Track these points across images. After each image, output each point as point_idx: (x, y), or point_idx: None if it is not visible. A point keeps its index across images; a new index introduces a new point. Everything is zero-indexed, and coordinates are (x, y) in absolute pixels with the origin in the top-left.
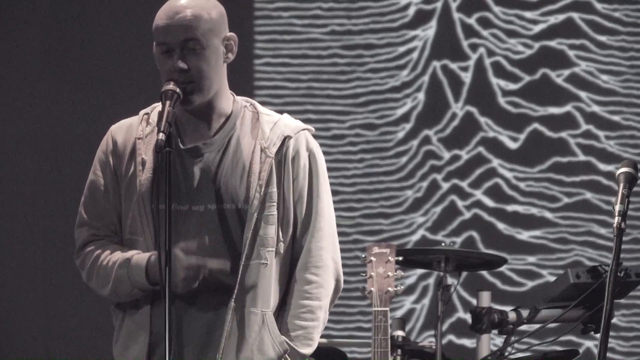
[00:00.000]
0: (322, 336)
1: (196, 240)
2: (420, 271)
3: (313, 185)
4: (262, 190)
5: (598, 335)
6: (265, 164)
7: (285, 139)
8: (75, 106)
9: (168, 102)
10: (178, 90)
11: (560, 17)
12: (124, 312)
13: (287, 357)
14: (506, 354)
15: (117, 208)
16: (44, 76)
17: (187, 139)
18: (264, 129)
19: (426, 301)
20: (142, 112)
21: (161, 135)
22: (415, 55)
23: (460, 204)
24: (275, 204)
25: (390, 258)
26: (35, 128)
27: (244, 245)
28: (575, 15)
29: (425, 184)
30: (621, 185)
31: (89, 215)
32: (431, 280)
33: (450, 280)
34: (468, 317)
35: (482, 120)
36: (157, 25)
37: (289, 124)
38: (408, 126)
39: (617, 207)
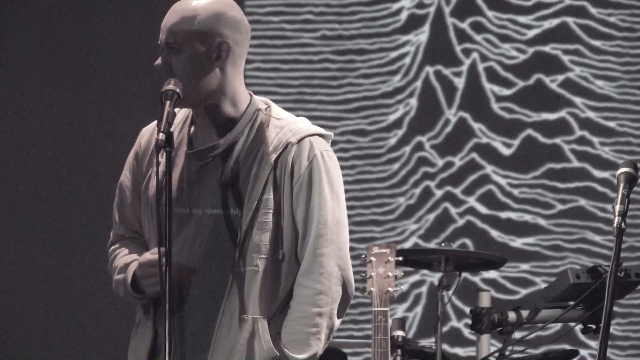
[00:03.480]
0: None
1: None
2: (412, 279)
3: (313, 192)
4: (258, 196)
5: (594, 344)
6: (264, 170)
7: (288, 146)
8: (75, 107)
9: (168, 102)
10: (178, 90)
11: (555, 22)
12: (141, 312)
13: None
14: (506, 354)
15: (137, 210)
16: (44, 77)
17: (196, 142)
18: (270, 134)
19: (419, 309)
20: None
21: (161, 135)
22: (407, 60)
23: (453, 211)
24: (271, 210)
25: (390, 258)
26: (34, 129)
27: (237, 250)
28: (569, 20)
29: (417, 190)
30: (621, 185)
31: (117, 214)
32: (424, 289)
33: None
34: (461, 326)
35: (476, 126)
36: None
37: (295, 129)
38: (400, 132)
39: (617, 207)
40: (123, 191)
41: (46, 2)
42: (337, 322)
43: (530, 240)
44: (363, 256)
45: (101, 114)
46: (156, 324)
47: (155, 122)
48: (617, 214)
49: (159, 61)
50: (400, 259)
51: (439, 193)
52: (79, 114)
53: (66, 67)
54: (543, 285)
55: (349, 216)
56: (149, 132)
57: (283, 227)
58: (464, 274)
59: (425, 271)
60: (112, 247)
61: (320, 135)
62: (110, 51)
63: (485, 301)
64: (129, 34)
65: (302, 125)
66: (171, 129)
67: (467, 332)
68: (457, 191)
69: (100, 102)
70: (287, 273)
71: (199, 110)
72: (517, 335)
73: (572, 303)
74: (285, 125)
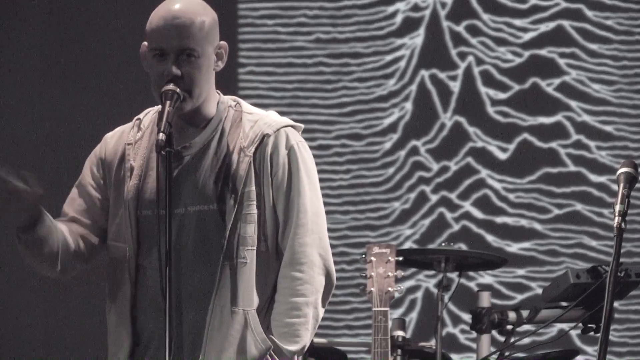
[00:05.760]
0: (322, 336)
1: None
2: (408, 284)
3: (293, 182)
4: (240, 189)
5: (591, 350)
6: (243, 163)
7: (264, 137)
8: (74, 106)
9: (168, 102)
10: (178, 90)
11: (551, 25)
12: (110, 309)
13: (272, 353)
14: (506, 354)
15: (95, 213)
16: (44, 76)
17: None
18: (245, 128)
19: (414, 314)
20: (135, 117)
21: (161, 135)
22: (402, 63)
23: (448, 215)
24: (254, 202)
25: (390, 258)
26: (34, 128)
27: (223, 244)
28: (565, 23)
29: (413, 195)
30: (621, 185)
31: (69, 211)
32: (419, 294)
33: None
34: (457, 332)
35: (471, 130)
36: (152, 29)
37: (269, 122)
38: (395, 136)
39: (617, 207)
40: (80, 190)
41: (46, 2)
42: (321, 312)
43: (526, 245)
44: (363, 256)
45: (101, 113)
46: (136, 325)
47: (121, 127)
48: (617, 214)
49: (174, 69)
50: (401, 259)
51: (434, 198)
52: (79, 114)
53: (66, 67)
54: (539, 291)
55: (344, 221)
56: (115, 137)
57: (265, 218)
58: (461, 280)
59: (421, 276)
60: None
61: (292, 127)
62: (111, 51)
63: (485, 301)
64: (129, 34)
65: (275, 117)
66: (139, 134)
67: (463, 338)
68: (453, 196)
69: (100, 102)
70: (271, 264)
71: (179, 114)
72: (516, 335)
73: (565, 303)
74: (259, 118)
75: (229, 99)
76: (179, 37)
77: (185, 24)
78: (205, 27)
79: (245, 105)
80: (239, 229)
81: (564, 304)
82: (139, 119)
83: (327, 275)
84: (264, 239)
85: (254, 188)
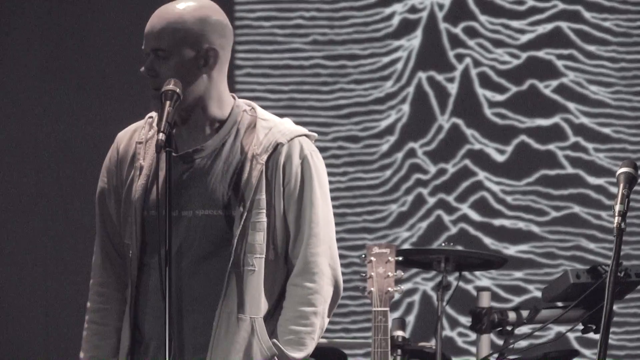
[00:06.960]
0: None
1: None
2: (404, 287)
3: (305, 192)
4: (250, 197)
5: (589, 352)
6: (255, 170)
7: (278, 146)
8: (75, 108)
9: (168, 102)
10: (178, 90)
11: (548, 27)
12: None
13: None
14: (506, 354)
15: (118, 215)
16: (44, 77)
17: (181, 145)
18: (259, 135)
19: (411, 318)
20: (147, 115)
21: (161, 135)
22: (399, 65)
23: (446, 218)
24: (263, 210)
25: (390, 258)
26: (35, 129)
27: (231, 251)
28: (563, 25)
29: (410, 197)
30: (621, 185)
31: (101, 222)
32: (417, 297)
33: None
34: (455, 335)
35: (469, 132)
36: (144, 31)
37: (283, 130)
38: (392, 139)
39: (617, 207)
40: (106, 196)
41: (46, 2)
42: (327, 321)
43: (523, 247)
44: (363, 256)
45: (101, 114)
46: (138, 324)
47: (133, 125)
48: (617, 214)
49: (142, 68)
50: (400, 259)
51: (431, 200)
52: (78, 115)
53: (66, 67)
54: (537, 293)
55: (341, 223)
56: (127, 136)
57: (275, 226)
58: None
59: (418, 279)
60: (93, 308)
61: (306, 136)
62: (111, 52)
63: (485, 301)
64: (129, 35)
65: (290, 125)
66: (151, 133)
67: (460, 341)
68: (450, 198)
69: (100, 103)
70: (279, 271)
71: (184, 114)
72: (515, 336)
73: (561, 304)
74: (273, 126)
75: (244, 103)
76: (152, 37)
77: (160, 24)
78: (183, 27)
79: (260, 110)
80: (247, 237)
81: (560, 304)
82: (151, 116)
83: (335, 286)
84: (273, 248)
85: (264, 196)
